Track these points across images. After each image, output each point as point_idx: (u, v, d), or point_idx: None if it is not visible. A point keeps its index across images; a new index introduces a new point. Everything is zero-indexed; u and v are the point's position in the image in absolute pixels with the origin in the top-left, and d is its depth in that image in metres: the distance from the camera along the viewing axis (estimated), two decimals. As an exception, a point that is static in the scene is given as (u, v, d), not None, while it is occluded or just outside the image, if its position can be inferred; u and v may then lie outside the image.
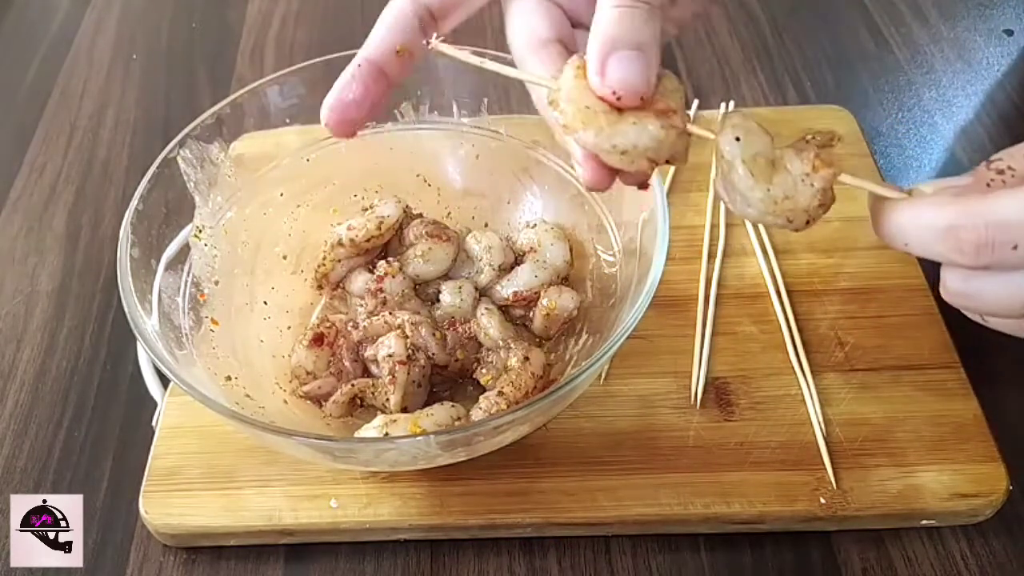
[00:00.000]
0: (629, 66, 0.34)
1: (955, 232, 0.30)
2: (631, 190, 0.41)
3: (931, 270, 0.60)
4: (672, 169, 0.66)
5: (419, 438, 0.46)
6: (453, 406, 0.50)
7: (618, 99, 0.34)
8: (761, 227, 0.62)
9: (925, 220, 0.31)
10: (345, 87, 0.43)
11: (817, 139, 0.35)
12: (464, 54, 0.40)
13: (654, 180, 0.48)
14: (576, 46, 0.41)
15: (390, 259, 0.56)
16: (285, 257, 0.59)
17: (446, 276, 0.57)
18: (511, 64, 0.41)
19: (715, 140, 0.35)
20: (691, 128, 0.36)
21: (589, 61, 0.35)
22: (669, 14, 0.43)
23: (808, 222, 0.34)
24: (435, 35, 0.40)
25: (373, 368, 0.54)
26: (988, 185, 0.32)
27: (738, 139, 0.34)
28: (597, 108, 0.35)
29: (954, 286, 0.33)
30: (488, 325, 0.54)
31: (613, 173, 0.38)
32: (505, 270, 0.57)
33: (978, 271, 0.31)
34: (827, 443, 0.51)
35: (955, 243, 0.30)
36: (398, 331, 0.53)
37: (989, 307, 0.33)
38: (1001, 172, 0.32)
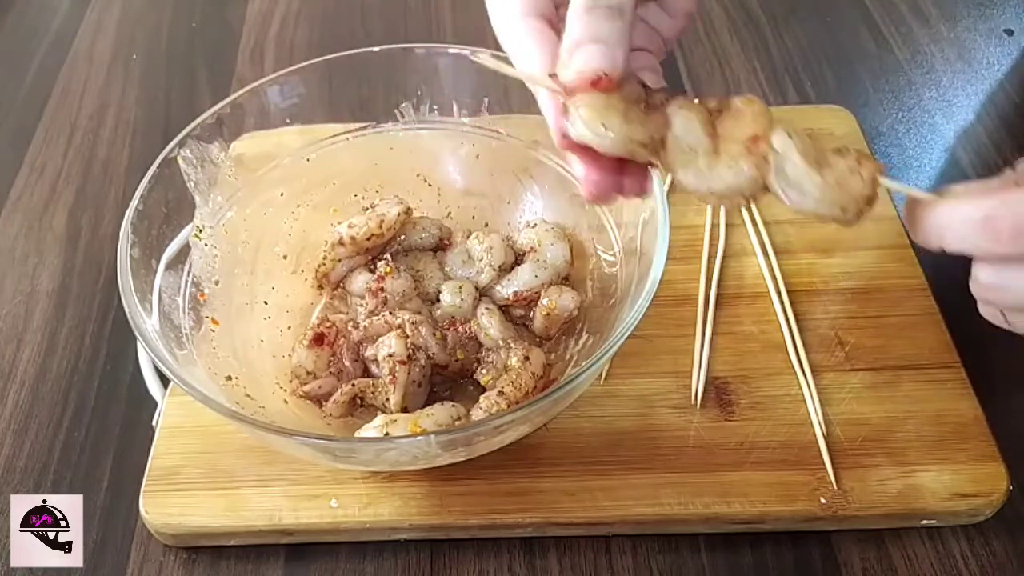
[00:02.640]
0: (590, 56, 0.36)
1: (992, 222, 0.31)
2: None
3: (932, 271, 0.60)
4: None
5: (419, 438, 0.46)
6: (453, 406, 0.49)
7: (584, 80, 0.36)
8: (761, 227, 0.62)
9: (962, 213, 0.32)
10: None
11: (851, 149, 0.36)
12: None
13: (655, 180, 0.48)
14: (557, 23, 0.41)
15: (389, 258, 0.57)
16: (285, 257, 0.59)
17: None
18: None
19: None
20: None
21: (559, 63, 0.37)
22: (668, 7, 0.45)
23: (859, 214, 0.35)
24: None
25: (373, 368, 0.54)
26: (1017, 184, 0.32)
27: (790, 135, 0.35)
28: (698, 149, 0.36)
29: (987, 279, 0.33)
30: (488, 325, 0.54)
31: (617, 185, 0.40)
32: (505, 270, 0.57)
33: (1011, 263, 0.32)
34: (827, 443, 0.51)
35: (992, 232, 0.31)
36: (398, 331, 0.53)
37: (1020, 300, 0.33)
38: None
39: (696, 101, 0.37)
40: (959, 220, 0.32)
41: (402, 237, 0.58)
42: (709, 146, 0.37)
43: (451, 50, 0.57)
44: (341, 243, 0.56)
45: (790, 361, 0.55)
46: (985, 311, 0.36)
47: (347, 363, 0.54)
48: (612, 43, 0.36)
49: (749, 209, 0.63)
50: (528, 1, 0.40)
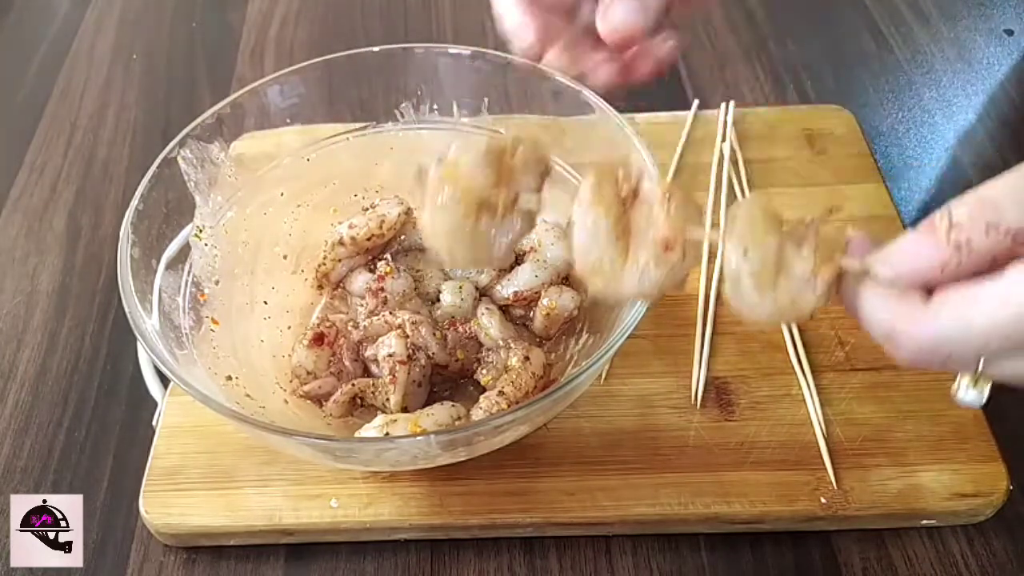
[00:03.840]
0: (625, 7, 0.41)
1: (895, 338, 0.33)
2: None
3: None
4: (672, 168, 0.66)
5: (419, 438, 0.46)
6: (453, 406, 0.49)
7: (619, 40, 0.41)
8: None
9: (876, 315, 0.33)
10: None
11: (815, 220, 0.35)
12: None
13: (655, 173, 0.48)
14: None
15: (389, 258, 0.57)
16: (285, 257, 0.59)
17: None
18: None
19: (721, 246, 0.35)
20: (697, 235, 0.35)
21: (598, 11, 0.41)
22: None
23: (811, 317, 0.35)
24: None
25: (373, 368, 0.54)
26: (941, 272, 0.31)
27: (746, 252, 0.34)
28: (604, 256, 0.35)
29: (904, 359, 0.34)
30: (488, 325, 0.54)
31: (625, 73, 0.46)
32: (505, 270, 0.57)
33: None
34: (827, 443, 0.51)
35: (894, 348, 0.33)
36: (398, 331, 0.53)
37: (939, 368, 0.34)
38: (959, 248, 0.31)
39: (605, 187, 0.36)
40: (873, 318, 0.33)
41: (402, 237, 0.58)
42: (616, 250, 0.35)
43: (451, 50, 0.57)
44: (341, 243, 0.56)
45: (790, 361, 0.55)
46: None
47: (347, 363, 0.54)
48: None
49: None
50: None
